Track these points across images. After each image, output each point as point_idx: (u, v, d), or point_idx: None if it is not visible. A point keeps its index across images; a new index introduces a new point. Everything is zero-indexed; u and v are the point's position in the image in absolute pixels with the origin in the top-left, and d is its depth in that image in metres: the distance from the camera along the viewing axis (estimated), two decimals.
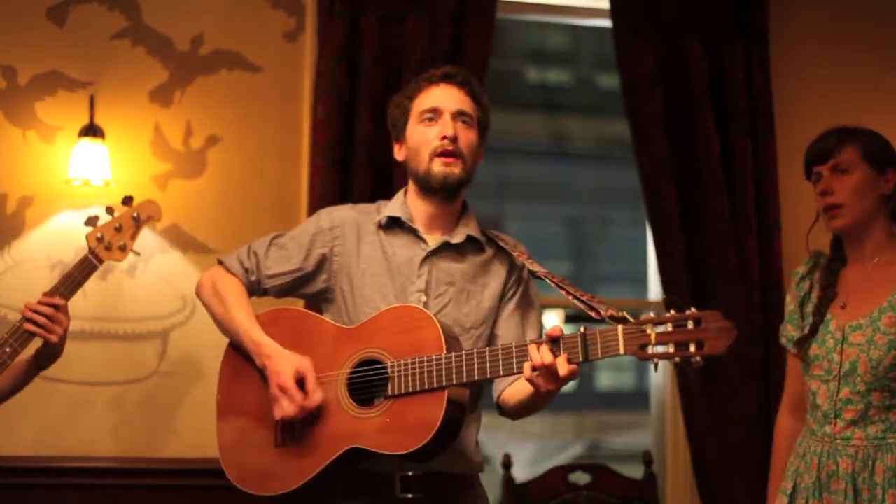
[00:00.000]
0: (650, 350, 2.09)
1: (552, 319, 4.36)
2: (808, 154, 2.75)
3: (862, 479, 2.57)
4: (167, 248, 3.80)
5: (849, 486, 2.57)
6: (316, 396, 2.31)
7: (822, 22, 4.38)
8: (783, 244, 4.12)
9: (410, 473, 2.34)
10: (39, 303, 2.75)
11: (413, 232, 2.49)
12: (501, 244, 2.53)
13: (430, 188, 2.46)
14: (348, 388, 2.34)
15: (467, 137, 2.47)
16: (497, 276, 2.50)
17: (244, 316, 2.46)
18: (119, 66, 3.84)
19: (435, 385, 2.24)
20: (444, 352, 2.26)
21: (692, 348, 2.06)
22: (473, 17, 3.97)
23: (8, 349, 2.74)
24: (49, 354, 2.82)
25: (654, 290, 4.30)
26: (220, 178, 3.89)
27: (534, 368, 2.17)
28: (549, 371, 2.15)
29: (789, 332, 2.81)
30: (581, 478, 3.78)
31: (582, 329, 2.16)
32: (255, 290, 2.54)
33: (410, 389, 2.26)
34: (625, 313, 2.14)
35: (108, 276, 3.78)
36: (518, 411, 2.43)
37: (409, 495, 2.33)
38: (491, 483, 3.89)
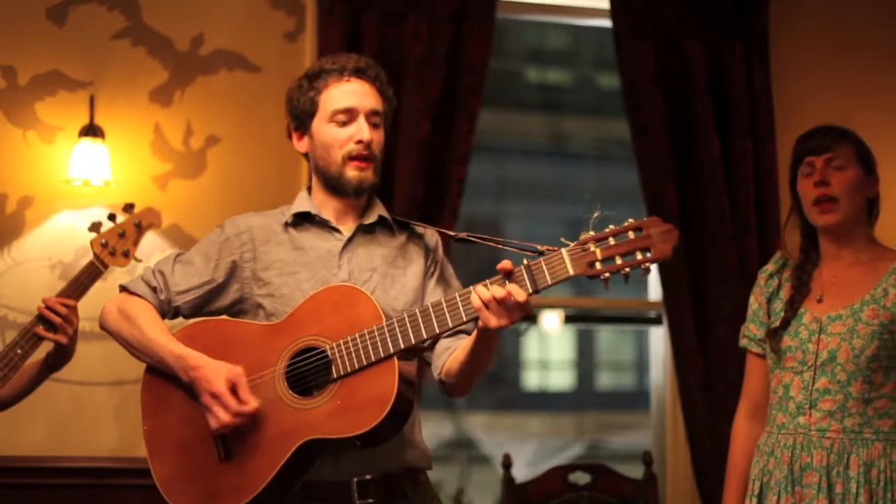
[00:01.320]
0: (598, 266, 2.06)
1: (552, 319, 4.36)
2: (802, 146, 2.72)
3: (836, 472, 2.54)
4: (167, 249, 3.80)
5: (822, 479, 2.54)
6: (252, 404, 2.21)
7: (822, 22, 4.38)
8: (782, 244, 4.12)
9: (367, 477, 2.26)
10: (53, 303, 2.79)
11: (325, 224, 2.40)
12: (412, 225, 2.47)
13: (343, 190, 2.39)
14: (287, 383, 2.24)
15: (378, 138, 2.40)
16: (416, 256, 2.44)
17: (160, 333, 2.33)
18: (119, 66, 3.84)
19: (382, 355, 2.16)
20: (384, 321, 2.18)
21: (639, 256, 2.04)
22: (473, 17, 3.97)
23: (19, 350, 2.78)
24: (61, 355, 2.85)
25: (655, 290, 4.31)
26: (220, 178, 3.89)
27: (485, 303, 2.08)
28: (501, 301, 2.07)
29: (752, 331, 2.80)
30: (581, 478, 3.77)
31: (525, 261, 2.11)
32: (165, 310, 2.40)
33: (357, 366, 2.18)
34: (562, 239, 2.11)
35: (109, 277, 3.76)
36: (465, 377, 2.32)
37: (366, 500, 2.25)
38: (491, 483, 3.89)
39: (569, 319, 4.43)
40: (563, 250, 2.09)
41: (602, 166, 4.73)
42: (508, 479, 3.76)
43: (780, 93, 4.23)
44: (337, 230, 2.40)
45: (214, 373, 2.23)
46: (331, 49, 3.85)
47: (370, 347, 2.18)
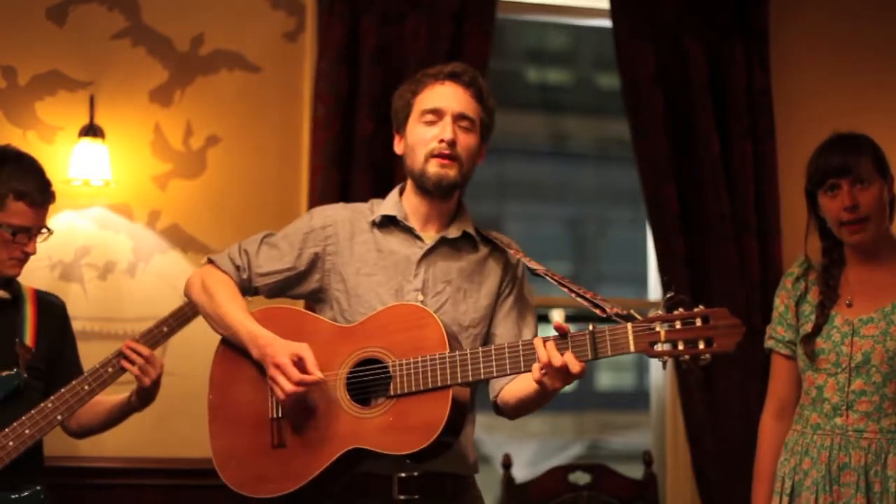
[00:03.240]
0: (659, 347, 2.08)
1: (556, 317, 4.36)
2: (825, 163, 2.69)
3: (874, 471, 2.59)
4: (167, 248, 3.80)
5: (861, 479, 2.59)
6: (316, 374, 2.26)
7: (822, 22, 4.38)
8: (783, 244, 4.12)
9: (407, 474, 2.31)
10: (134, 347, 2.88)
11: (409, 230, 2.45)
12: (497, 242, 2.50)
13: (425, 188, 2.42)
14: (347, 388, 2.30)
15: (466, 141, 2.42)
16: (493, 273, 2.47)
17: (238, 310, 2.41)
18: (119, 66, 3.84)
19: (439, 384, 2.22)
20: (448, 350, 2.23)
21: (701, 345, 2.07)
22: (473, 16, 3.97)
23: (110, 369, 2.88)
24: (144, 396, 2.94)
25: (654, 290, 4.30)
26: (220, 178, 3.89)
27: (542, 368, 2.15)
28: (557, 369, 2.13)
29: (780, 333, 2.81)
30: (581, 478, 3.78)
31: (591, 327, 2.14)
32: (246, 288, 2.49)
33: (414, 389, 2.23)
34: (631, 311, 2.14)
35: (109, 277, 3.78)
36: (518, 410, 2.40)
37: (407, 496, 2.31)
38: (491, 483, 3.89)
39: (569, 319, 4.42)
40: (629, 324, 2.12)
41: (602, 166, 4.72)
42: (508, 479, 3.76)
43: (780, 93, 4.23)
44: (419, 238, 2.44)
45: (282, 348, 2.30)
46: (331, 49, 3.86)
47: (429, 373, 2.23)
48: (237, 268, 2.47)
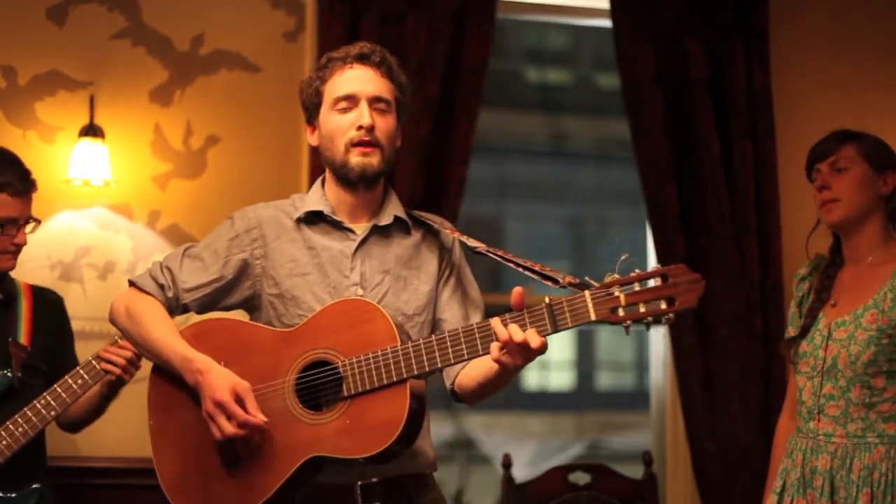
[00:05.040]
0: (621, 313, 1.99)
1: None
2: (810, 154, 2.78)
3: (840, 476, 2.58)
4: (167, 248, 3.80)
5: (826, 483, 2.58)
6: (260, 416, 2.15)
7: (822, 22, 4.38)
8: (783, 244, 4.12)
9: (367, 481, 2.22)
10: (111, 350, 2.87)
11: (338, 224, 2.34)
12: (429, 223, 2.39)
13: (348, 179, 2.30)
14: (298, 395, 2.19)
15: (385, 124, 2.30)
16: (430, 256, 2.37)
17: (167, 333, 2.27)
18: (119, 66, 3.84)
19: (395, 379, 2.12)
20: (399, 343, 2.14)
21: (663, 305, 1.98)
22: (473, 16, 3.97)
23: (79, 381, 2.87)
24: (116, 387, 2.96)
25: None
26: (220, 178, 3.89)
27: (502, 346, 2.04)
28: (518, 346, 2.02)
29: (790, 334, 2.82)
30: (581, 478, 3.77)
31: (547, 299, 2.04)
32: (173, 307, 2.34)
33: (368, 387, 2.13)
34: (586, 278, 2.04)
35: (108, 277, 3.78)
36: (478, 394, 2.29)
37: (372, 503, 2.22)
38: (491, 483, 3.89)
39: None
40: (587, 292, 2.02)
41: (602, 166, 4.72)
42: (508, 479, 3.76)
43: (780, 93, 4.23)
44: (350, 230, 2.34)
45: (219, 381, 2.18)
46: (330, 49, 3.85)
47: (383, 369, 2.13)
48: (161, 287, 2.33)
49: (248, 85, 3.93)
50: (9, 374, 2.80)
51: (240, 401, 2.17)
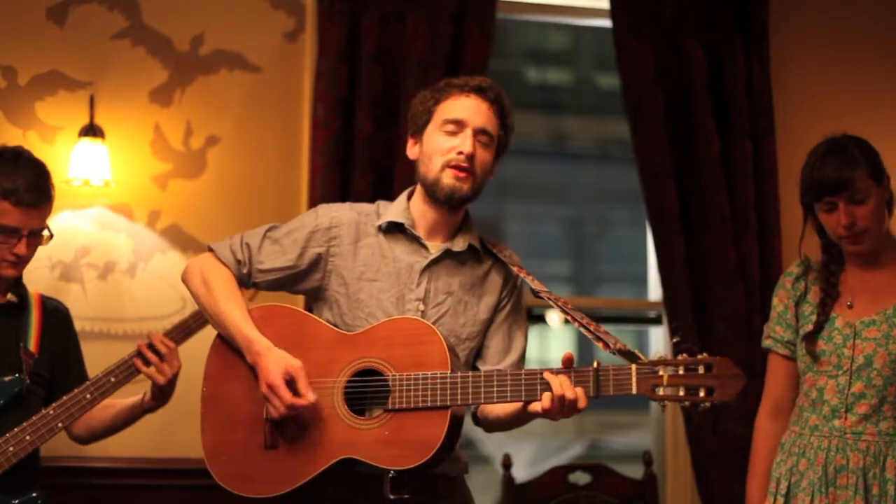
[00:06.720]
0: (661, 391, 2.14)
1: (552, 319, 4.36)
2: (818, 181, 2.65)
3: (873, 474, 2.60)
4: (167, 248, 3.80)
5: (859, 481, 2.60)
6: (308, 397, 2.25)
7: (822, 22, 4.38)
8: (783, 245, 4.12)
9: (399, 474, 2.28)
10: (155, 340, 2.82)
11: (415, 239, 2.44)
12: (499, 255, 2.50)
13: (436, 197, 2.41)
14: (345, 397, 2.29)
15: (483, 157, 2.42)
16: (494, 288, 2.48)
17: (236, 310, 2.39)
18: (119, 66, 3.84)
19: (439, 403, 2.22)
20: (449, 370, 2.23)
21: (702, 393, 2.13)
22: (473, 17, 3.97)
23: (112, 378, 2.81)
24: (159, 397, 2.87)
25: (654, 291, 4.30)
26: (220, 178, 3.89)
27: (553, 398, 2.16)
28: (568, 402, 2.16)
29: (778, 333, 2.81)
30: (581, 478, 3.78)
31: (595, 364, 2.18)
32: (245, 282, 2.47)
33: (412, 405, 2.23)
34: (634, 349, 2.18)
35: (108, 276, 3.78)
36: (495, 427, 2.43)
37: (398, 496, 2.28)
38: (491, 483, 3.89)
39: (569, 319, 4.42)
40: (634, 366, 2.17)
41: (602, 166, 4.72)
42: (508, 479, 3.76)
43: (780, 93, 4.23)
44: (425, 246, 2.44)
45: (274, 363, 2.28)
46: (331, 49, 3.86)
47: (430, 392, 2.23)
48: (238, 262, 2.45)
49: (248, 85, 3.93)
50: (20, 378, 2.77)
51: (291, 381, 2.26)
